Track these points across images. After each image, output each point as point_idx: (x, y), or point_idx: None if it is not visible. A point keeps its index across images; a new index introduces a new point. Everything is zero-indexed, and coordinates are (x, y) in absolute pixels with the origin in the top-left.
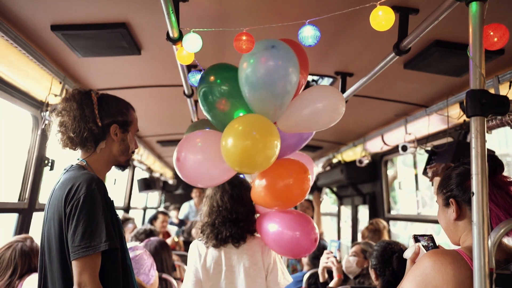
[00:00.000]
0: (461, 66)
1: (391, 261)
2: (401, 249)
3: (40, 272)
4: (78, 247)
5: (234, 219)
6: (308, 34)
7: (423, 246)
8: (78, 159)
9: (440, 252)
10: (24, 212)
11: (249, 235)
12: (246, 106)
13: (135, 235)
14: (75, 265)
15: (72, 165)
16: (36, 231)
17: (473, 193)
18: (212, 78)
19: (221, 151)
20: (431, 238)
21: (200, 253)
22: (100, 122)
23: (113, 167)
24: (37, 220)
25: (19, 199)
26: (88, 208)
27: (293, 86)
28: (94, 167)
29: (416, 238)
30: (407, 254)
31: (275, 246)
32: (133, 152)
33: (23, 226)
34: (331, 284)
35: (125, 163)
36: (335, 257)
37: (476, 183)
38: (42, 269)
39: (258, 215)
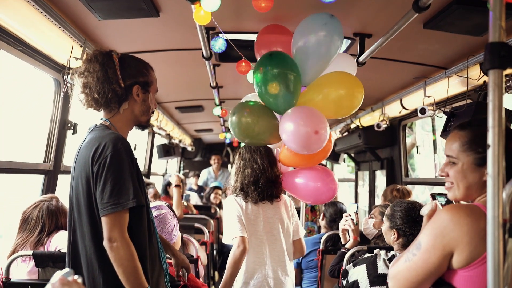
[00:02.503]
0: (482, 24)
1: (417, 220)
2: None
3: (69, 226)
4: (106, 204)
5: (273, 180)
6: None
7: (440, 203)
8: (101, 119)
9: (458, 206)
10: (50, 173)
11: (280, 194)
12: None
13: None
14: (104, 221)
15: (96, 125)
16: (61, 191)
17: (489, 146)
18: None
19: (314, 101)
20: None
21: (241, 205)
22: (122, 83)
23: (134, 127)
24: (62, 181)
25: (44, 161)
26: (115, 166)
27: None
28: (118, 127)
29: (434, 196)
30: (424, 211)
31: (301, 194)
32: (153, 112)
33: (49, 187)
34: (347, 245)
35: (145, 123)
36: (352, 219)
37: (493, 136)
38: (71, 223)
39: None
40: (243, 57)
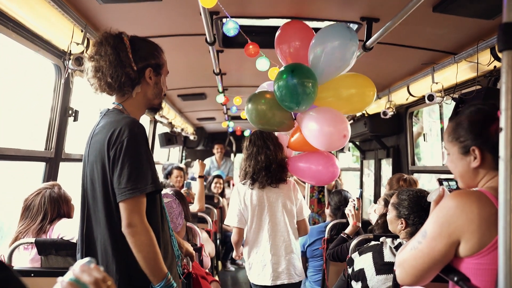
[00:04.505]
0: (493, 7)
1: (426, 209)
2: None
3: (82, 213)
4: (124, 189)
5: (283, 165)
6: None
7: (449, 189)
8: (114, 103)
9: (463, 193)
10: (51, 161)
11: (286, 177)
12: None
13: None
14: (123, 207)
15: (109, 109)
16: (63, 179)
17: (501, 129)
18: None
19: (330, 100)
20: (455, 181)
21: (245, 194)
22: (135, 66)
23: (146, 110)
24: (64, 169)
25: (45, 149)
26: (132, 151)
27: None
28: (130, 111)
29: (441, 181)
30: (432, 197)
31: (304, 175)
32: (165, 95)
33: (50, 175)
34: (346, 230)
35: (158, 106)
36: (354, 205)
37: (505, 119)
38: (85, 210)
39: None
40: (248, 40)
